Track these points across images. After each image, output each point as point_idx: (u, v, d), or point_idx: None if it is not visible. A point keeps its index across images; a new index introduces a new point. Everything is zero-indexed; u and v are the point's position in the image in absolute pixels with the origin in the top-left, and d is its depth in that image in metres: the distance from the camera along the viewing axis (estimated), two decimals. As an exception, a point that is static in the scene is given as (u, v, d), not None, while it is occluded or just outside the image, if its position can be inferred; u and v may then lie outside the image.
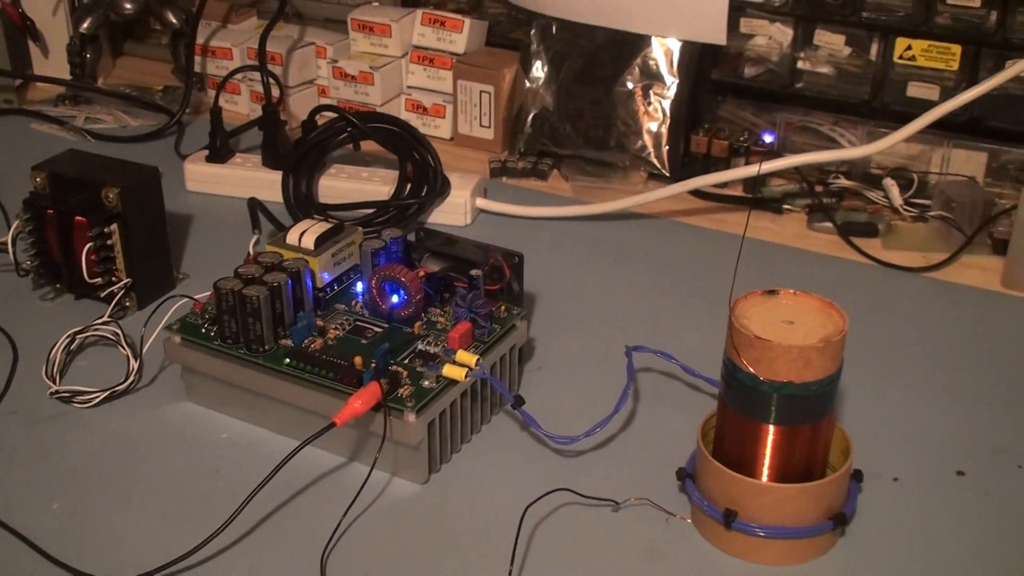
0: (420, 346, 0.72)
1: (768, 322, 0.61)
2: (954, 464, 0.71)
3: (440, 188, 0.99)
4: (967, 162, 1.01)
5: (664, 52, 1.05)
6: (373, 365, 0.69)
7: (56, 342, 0.78)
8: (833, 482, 0.63)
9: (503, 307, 0.75)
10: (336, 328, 0.74)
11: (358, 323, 0.75)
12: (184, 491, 0.68)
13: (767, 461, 0.63)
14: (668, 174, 1.06)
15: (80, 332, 0.80)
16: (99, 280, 0.84)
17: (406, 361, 0.71)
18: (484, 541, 0.65)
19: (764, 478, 0.63)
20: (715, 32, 1.03)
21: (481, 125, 1.14)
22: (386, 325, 0.74)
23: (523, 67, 1.12)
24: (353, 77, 1.16)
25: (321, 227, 0.78)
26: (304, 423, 0.70)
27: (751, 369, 0.60)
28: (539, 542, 0.65)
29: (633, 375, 0.72)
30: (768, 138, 0.95)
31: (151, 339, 0.77)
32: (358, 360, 0.69)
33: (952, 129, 1.01)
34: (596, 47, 1.08)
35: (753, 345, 0.60)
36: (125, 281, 0.84)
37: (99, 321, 0.81)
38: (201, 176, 1.04)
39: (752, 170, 0.98)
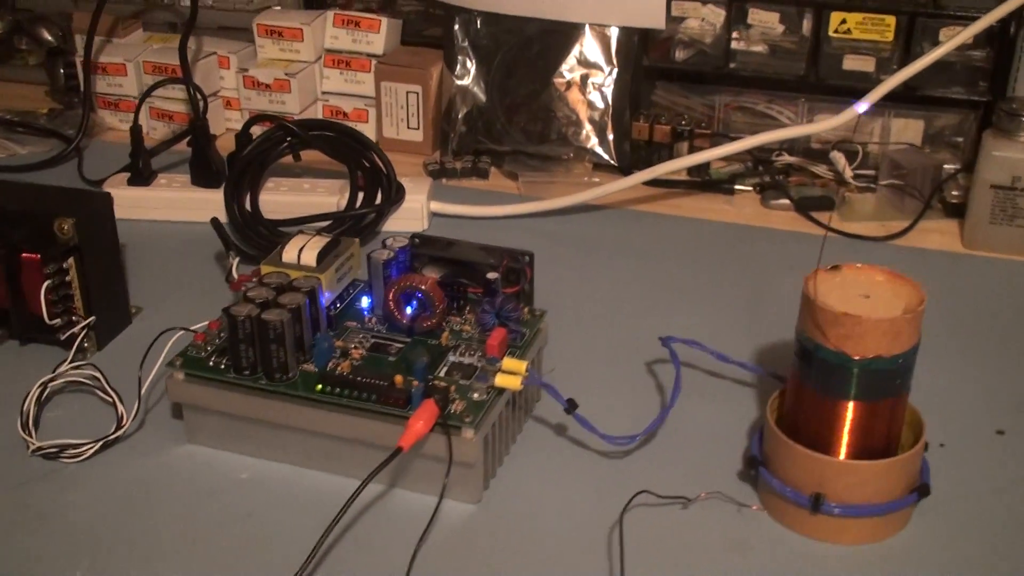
0: (452, 358, 0.67)
1: (845, 298, 0.60)
2: (990, 423, 0.72)
3: (395, 195, 0.94)
4: (905, 130, 1.03)
5: (600, 40, 1.03)
6: (416, 384, 0.64)
7: (28, 393, 0.70)
8: (916, 454, 0.62)
9: (527, 309, 0.72)
10: (356, 347, 0.68)
11: (376, 340, 0.69)
12: (218, 541, 0.62)
13: (847, 439, 0.61)
14: (616, 163, 1.04)
15: (51, 380, 0.72)
16: (58, 321, 0.76)
17: (442, 375, 0.66)
18: (563, 554, 0.61)
19: (842, 457, 0.62)
20: (653, 17, 1.02)
21: (409, 127, 1.09)
22: (407, 339, 0.69)
23: (448, 64, 1.08)
24: (267, 86, 1.09)
25: (318, 242, 0.72)
26: (333, 453, 0.65)
27: (838, 347, 0.58)
28: (628, 545, 0.61)
29: (679, 365, 0.69)
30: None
31: (149, 378, 0.69)
32: (398, 379, 0.64)
33: (888, 99, 1.02)
34: (527, 39, 1.05)
35: (840, 322, 0.58)
36: (88, 320, 0.76)
37: (70, 366, 0.73)
38: (126, 201, 0.96)
39: (731, 148, 0.96)
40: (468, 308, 0.72)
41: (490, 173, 1.06)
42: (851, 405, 0.61)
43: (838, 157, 1.01)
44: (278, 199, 0.94)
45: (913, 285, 0.61)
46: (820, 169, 1.03)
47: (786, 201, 0.99)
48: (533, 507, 0.65)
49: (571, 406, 0.66)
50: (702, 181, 1.03)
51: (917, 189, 0.96)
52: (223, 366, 0.67)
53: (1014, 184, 0.90)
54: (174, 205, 0.96)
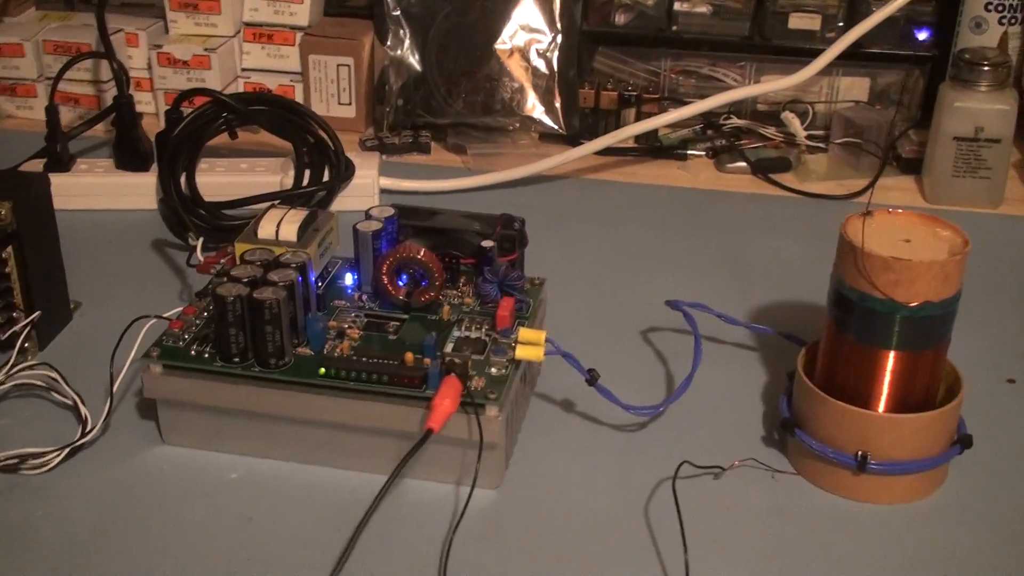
0: (457, 333, 0.62)
1: (886, 243, 0.57)
2: (1000, 373, 0.70)
3: (345, 170, 0.87)
4: (852, 88, 1.02)
5: (541, 3, 0.99)
6: (428, 362, 0.59)
7: (-25, 400, 0.62)
8: (958, 406, 0.59)
9: (529, 279, 0.67)
10: (351, 327, 0.62)
11: (370, 318, 0.64)
12: (221, 550, 0.56)
13: (887, 392, 0.59)
14: (564, 132, 0.99)
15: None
16: (-2, 318, 0.68)
17: (450, 352, 0.61)
18: (597, 533, 0.57)
19: (882, 411, 0.59)
20: (598, -22, 0.98)
21: (340, 103, 1.03)
22: (405, 316, 0.64)
23: (378, 35, 1.02)
24: (184, 63, 1.01)
25: (295, 216, 0.66)
26: (335, 444, 0.60)
27: (888, 294, 0.55)
28: (661, 521, 0.57)
29: (697, 328, 0.66)
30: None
31: (121, 373, 0.62)
32: (409, 357, 0.59)
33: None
34: (464, 5, 1.00)
35: (891, 267, 0.55)
36: (33, 316, 0.68)
37: (21, 367, 0.65)
38: (44, 189, 0.87)
39: (683, 112, 0.93)
40: (463, 280, 0.67)
41: (432, 147, 1.00)
42: (893, 356, 0.58)
43: (790, 118, 0.99)
44: (215, 181, 0.87)
45: (952, 227, 0.58)
46: (770, 131, 1.01)
47: (742, 164, 0.97)
48: (557, 488, 0.60)
49: (593, 377, 0.62)
50: (653, 148, 1.00)
51: (878, 144, 0.95)
52: (207, 354, 0.60)
53: (977, 135, 0.89)
54: (99, 192, 0.88)
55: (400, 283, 0.64)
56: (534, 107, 0.99)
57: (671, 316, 0.72)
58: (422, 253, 0.63)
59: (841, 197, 0.93)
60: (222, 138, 0.85)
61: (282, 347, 0.59)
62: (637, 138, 1.00)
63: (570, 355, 0.61)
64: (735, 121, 1.01)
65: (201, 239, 0.72)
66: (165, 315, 0.63)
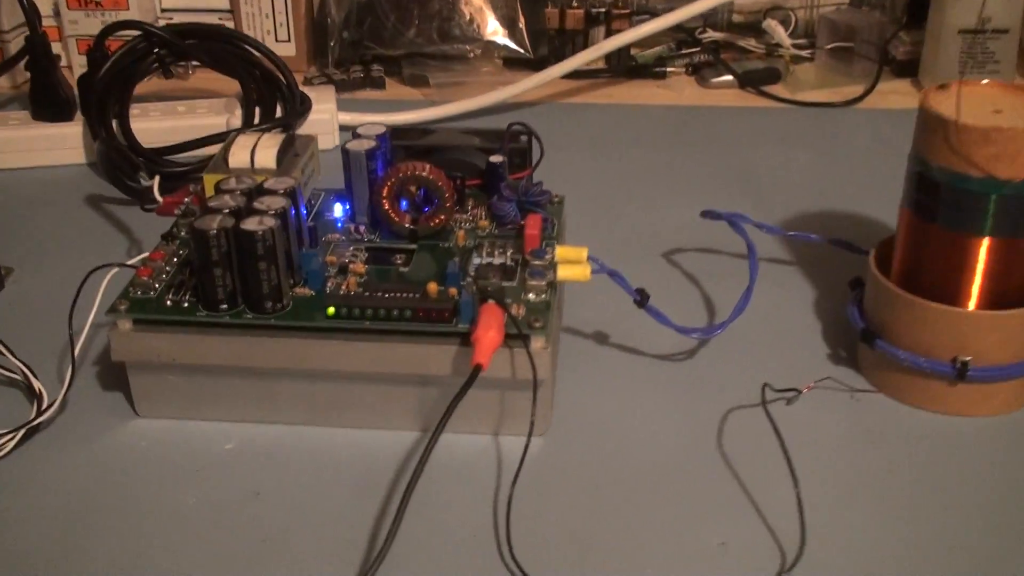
0: (478, 259, 0.53)
1: (981, 115, 0.49)
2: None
3: (301, 105, 0.77)
4: (832, -9, 0.95)
5: (496, -84, 0.90)
6: (454, 292, 0.49)
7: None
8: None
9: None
10: (352, 261, 0.53)
11: (371, 251, 0.54)
12: (226, 532, 0.46)
13: (980, 285, 0.51)
14: (531, 55, 0.90)
15: (-70, 361, 0.53)
16: (-82, 287, 0.56)
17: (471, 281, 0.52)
18: (678, 476, 0.49)
19: (973, 309, 0.52)
20: None
21: (278, 40, 0.92)
22: (412, 246, 0.54)
23: (315, -38, 0.92)
24: (97, 3, 0.90)
25: (271, 140, 0.56)
26: (345, 398, 0.51)
27: (987, 170, 0.48)
28: (741, 456, 0.49)
29: (748, 236, 0.57)
30: None
31: (81, 338, 0.52)
32: (432, 287, 0.49)
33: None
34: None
35: (991, 140, 0.48)
36: (-39, 281, 0.57)
37: (-46, 340, 0.54)
38: (-48, 147, 0.76)
39: (656, 25, 0.85)
40: (471, 203, 0.58)
41: (386, 82, 0.90)
42: (987, 243, 0.50)
43: (774, 26, 0.91)
44: (150, 127, 0.77)
45: (1042, 93, 0.51)
46: (750, 43, 0.93)
47: (728, 78, 0.89)
48: (612, 429, 0.51)
49: (643, 298, 0.53)
50: (629, 68, 0.91)
51: (873, 45, 0.88)
52: (187, 303, 0.50)
53: (983, 25, 0.82)
54: (17, 147, 0.77)
55: (402, 209, 0.55)
56: (496, 31, 0.90)
57: (693, 236, 0.65)
58: (427, 170, 0.53)
59: (838, 104, 0.86)
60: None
61: (279, 286, 0.49)
62: (608, 59, 0.92)
63: (618, 273, 0.52)
64: (711, 34, 0.93)
65: (157, 177, 0.61)
66: (129, 263, 0.52)
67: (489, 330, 0.46)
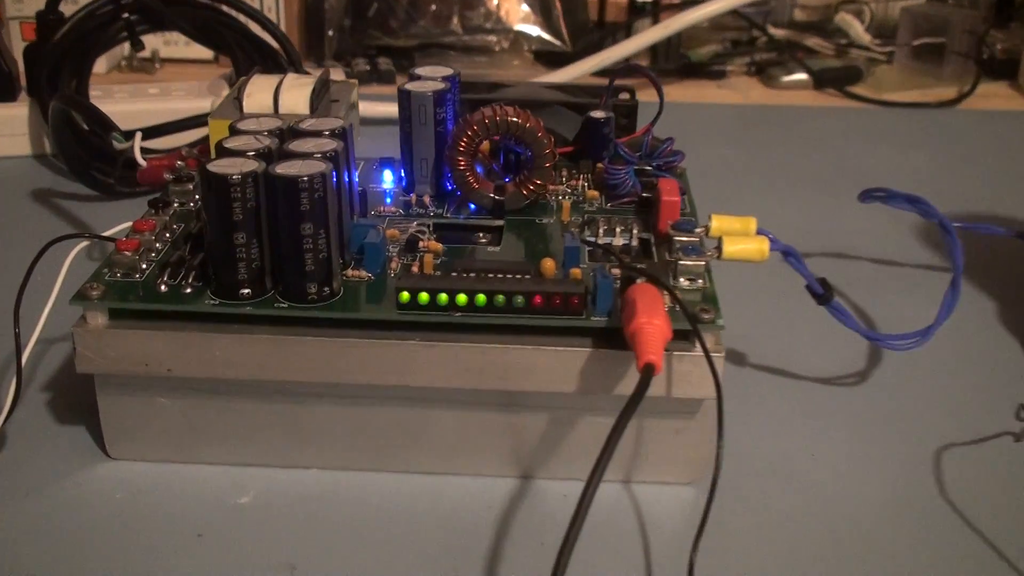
0: (591, 238, 0.38)
1: None
2: None
3: (306, 83, 0.62)
4: (911, -16, 0.82)
5: None
6: (578, 273, 0.34)
7: None
8: None
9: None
10: (419, 236, 0.38)
11: (440, 227, 0.39)
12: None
13: None
14: (568, 47, 0.76)
15: None
16: None
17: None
18: (901, 534, 0.33)
19: None
20: None
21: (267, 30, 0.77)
22: (497, 222, 0.39)
23: (310, -62, 0.78)
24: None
25: (298, 80, 0.41)
26: (407, 430, 0.35)
27: None
28: (983, 503, 0.34)
29: (949, 225, 0.43)
30: None
31: (30, 343, 0.35)
32: (549, 264, 0.34)
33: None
34: None
35: None
36: None
37: None
38: None
39: (710, 10, 0.71)
40: (564, 173, 0.43)
41: (396, 76, 0.76)
42: None
43: (850, 20, 0.78)
44: (115, 111, 0.60)
45: None
46: (814, 41, 0.80)
47: (802, 77, 0.76)
48: (786, 473, 0.36)
49: (826, 291, 0.38)
50: (682, 66, 0.78)
51: (968, 44, 0.75)
52: (189, 289, 0.34)
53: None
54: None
55: (480, 172, 0.40)
56: (528, 17, 0.76)
57: (817, 240, 0.50)
58: (521, 115, 0.38)
59: (932, 105, 0.72)
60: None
61: (328, 263, 0.33)
62: (655, 55, 0.78)
63: (795, 252, 0.37)
64: (771, 32, 0.80)
65: (138, 133, 0.45)
66: (105, 233, 0.36)
67: (655, 317, 0.31)
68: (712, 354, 0.32)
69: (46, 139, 0.62)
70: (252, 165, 0.33)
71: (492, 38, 0.75)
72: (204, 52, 0.80)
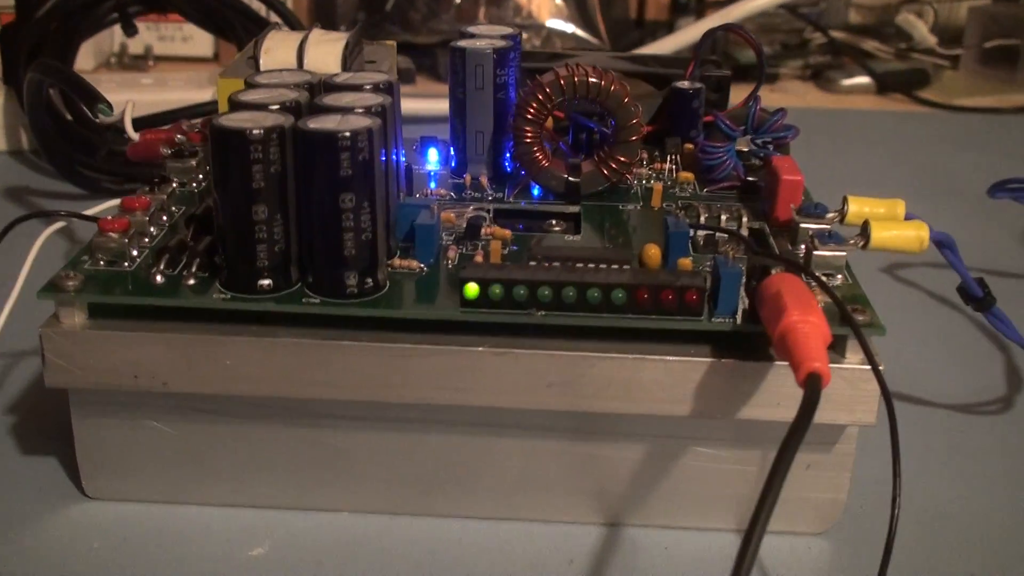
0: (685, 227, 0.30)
1: None
2: None
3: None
4: (972, -14, 0.76)
5: None
6: (688, 264, 0.27)
7: None
8: None
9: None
10: (480, 222, 0.30)
11: (502, 213, 0.31)
12: None
13: None
14: (608, 44, 0.69)
15: None
16: None
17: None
18: None
19: None
20: None
21: (272, 19, 0.69)
22: (572, 208, 0.32)
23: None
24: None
25: (326, 36, 0.34)
26: (462, 464, 0.28)
27: None
28: None
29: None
30: None
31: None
32: (654, 252, 0.27)
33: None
34: None
35: None
36: None
37: None
38: None
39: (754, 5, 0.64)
40: (644, 155, 0.36)
41: (415, 75, 0.68)
42: None
43: (913, 21, 0.71)
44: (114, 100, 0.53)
45: None
46: (872, 44, 0.73)
47: (864, 80, 0.69)
48: (941, 519, 0.28)
49: (987, 295, 0.31)
50: (731, 68, 0.71)
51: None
52: (193, 281, 0.26)
53: None
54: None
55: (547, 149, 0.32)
56: (562, 11, 0.69)
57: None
58: (605, 77, 0.31)
59: (1009, 110, 0.66)
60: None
61: (373, 247, 0.26)
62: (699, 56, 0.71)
63: (952, 244, 0.29)
64: (820, 38, 0.73)
65: (131, 103, 0.38)
66: (86, 212, 0.28)
67: (810, 313, 0.23)
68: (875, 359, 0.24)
69: (23, 132, 0.55)
70: (278, 119, 0.25)
71: (523, 35, 0.68)
72: (203, 49, 0.73)
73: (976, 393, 0.35)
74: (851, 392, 0.26)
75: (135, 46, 0.71)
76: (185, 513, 0.28)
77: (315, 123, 0.25)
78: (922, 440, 0.32)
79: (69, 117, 0.51)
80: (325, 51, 0.32)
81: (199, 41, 0.72)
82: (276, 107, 0.27)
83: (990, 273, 0.44)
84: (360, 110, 0.27)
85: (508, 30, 0.35)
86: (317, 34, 0.34)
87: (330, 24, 0.70)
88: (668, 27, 0.71)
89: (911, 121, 0.66)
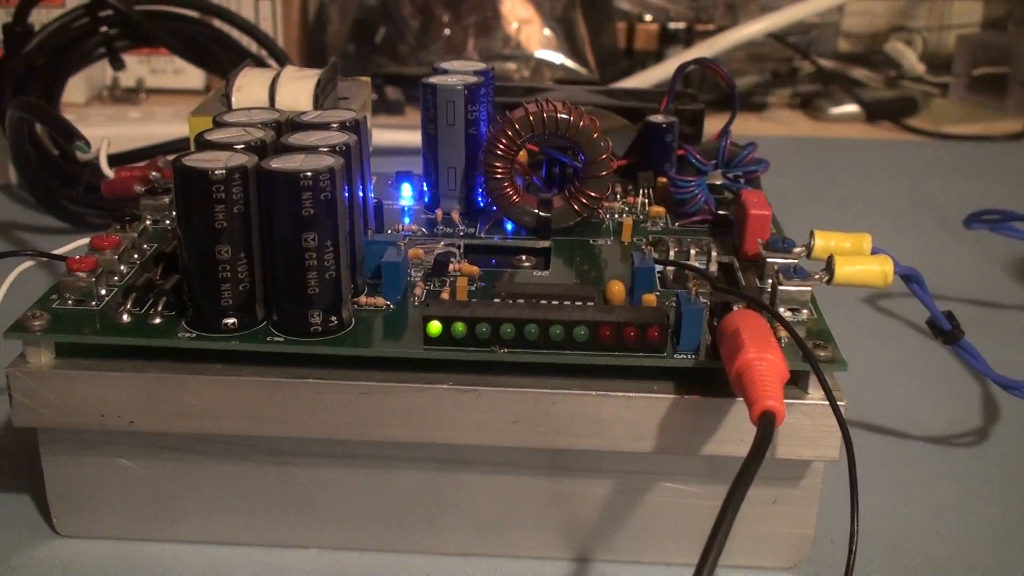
0: (654, 263, 0.31)
1: None
2: None
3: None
4: (963, 13, 0.76)
5: (551, -99, 0.70)
6: (652, 299, 0.27)
7: None
8: None
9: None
10: (449, 258, 0.30)
11: (472, 249, 0.32)
12: None
13: None
14: (596, 74, 0.70)
15: None
16: None
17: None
18: None
19: None
20: None
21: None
22: (542, 243, 0.32)
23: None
24: None
25: (299, 73, 0.34)
26: (433, 501, 0.28)
27: None
28: None
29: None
30: None
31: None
32: (617, 288, 0.27)
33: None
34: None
35: None
36: None
37: None
38: None
39: (749, 31, 0.65)
40: (619, 188, 0.36)
41: (405, 107, 0.69)
42: None
43: (902, 49, 0.72)
44: (90, 135, 0.53)
45: None
46: (862, 72, 0.73)
47: (852, 109, 0.69)
48: (907, 556, 0.28)
49: (955, 328, 0.31)
50: (721, 96, 0.71)
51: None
52: (159, 320, 0.26)
53: None
54: None
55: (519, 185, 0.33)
56: (550, 42, 0.69)
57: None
58: (573, 112, 0.31)
59: (997, 138, 0.66)
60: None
61: (337, 285, 0.26)
62: (689, 85, 0.71)
63: (919, 277, 0.30)
64: (807, 67, 0.74)
65: (107, 141, 0.38)
66: (55, 252, 0.29)
67: (767, 350, 0.23)
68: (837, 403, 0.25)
69: (11, 167, 0.55)
70: (241, 159, 0.26)
71: (511, 66, 0.69)
72: (194, 82, 0.74)
73: (951, 425, 0.35)
74: (813, 428, 0.26)
75: (127, 79, 0.71)
76: (155, 550, 0.28)
77: (278, 163, 0.26)
78: (894, 472, 0.32)
79: (56, 152, 0.51)
80: (297, 88, 0.33)
81: (190, 74, 0.73)
82: (241, 146, 0.27)
83: (977, 303, 0.44)
84: (325, 149, 0.27)
85: (481, 66, 0.35)
86: (290, 71, 0.34)
87: (320, 56, 0.71)
88: (657, 56, 0.72)
89: (900, 149, 0.66)
